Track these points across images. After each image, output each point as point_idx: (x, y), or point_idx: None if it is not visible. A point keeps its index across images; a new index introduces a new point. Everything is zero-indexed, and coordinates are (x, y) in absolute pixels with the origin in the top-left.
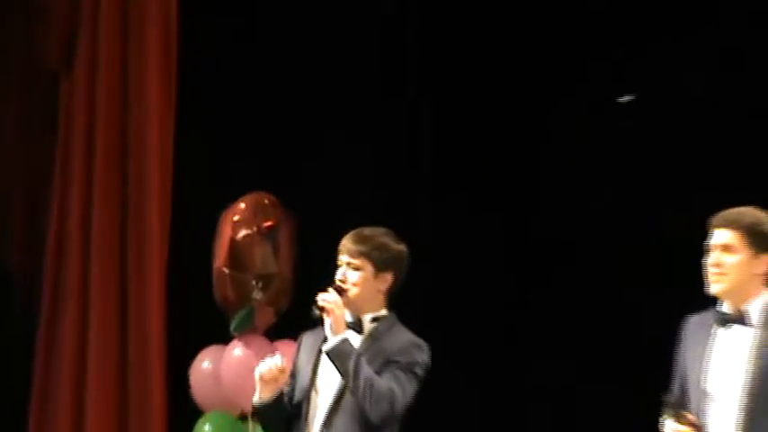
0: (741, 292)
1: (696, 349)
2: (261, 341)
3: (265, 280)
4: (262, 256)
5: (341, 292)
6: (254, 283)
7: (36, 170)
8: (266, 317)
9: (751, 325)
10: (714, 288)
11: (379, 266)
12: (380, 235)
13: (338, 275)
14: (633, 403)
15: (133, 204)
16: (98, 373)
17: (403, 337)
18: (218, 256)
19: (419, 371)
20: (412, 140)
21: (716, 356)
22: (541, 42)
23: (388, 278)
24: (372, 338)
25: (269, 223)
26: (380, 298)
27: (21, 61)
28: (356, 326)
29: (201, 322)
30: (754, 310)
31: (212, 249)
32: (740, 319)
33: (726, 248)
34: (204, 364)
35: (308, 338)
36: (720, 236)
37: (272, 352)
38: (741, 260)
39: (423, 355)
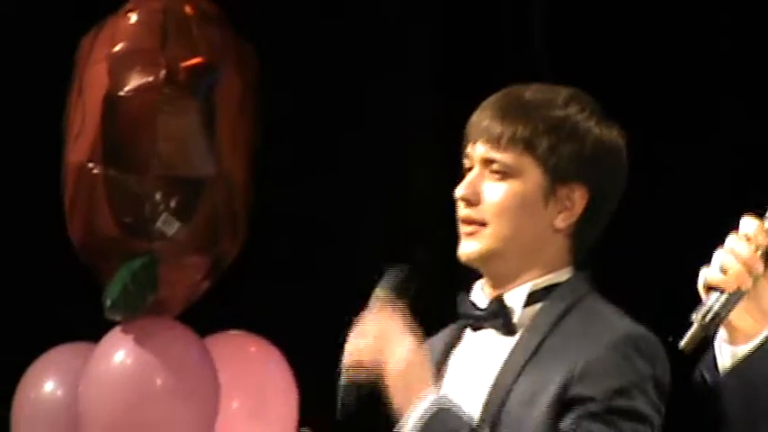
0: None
1: None
2: (174, 333)
3: (187, 192)
4: (178, 141)
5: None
6: (157, 198)
7: None
8: (187, 279)
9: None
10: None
11: (560, 173)
12: (559, 104)
13: (459, 190)
14: None
15: None
16: None
17: (614, 327)
18: (76, 138)
19: (650, 411)
20: None
21: None
22: None
23: (579, 197)
24: (542, 341)
25: (195, 62)
26: (558, 244)
27: None
28: (498, 314)
29: (36, 294)
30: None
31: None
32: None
33: None
34: (45, 385)
35: (436, 344)
36: None
37: (201, 355)
38: None
39: (657, 369)
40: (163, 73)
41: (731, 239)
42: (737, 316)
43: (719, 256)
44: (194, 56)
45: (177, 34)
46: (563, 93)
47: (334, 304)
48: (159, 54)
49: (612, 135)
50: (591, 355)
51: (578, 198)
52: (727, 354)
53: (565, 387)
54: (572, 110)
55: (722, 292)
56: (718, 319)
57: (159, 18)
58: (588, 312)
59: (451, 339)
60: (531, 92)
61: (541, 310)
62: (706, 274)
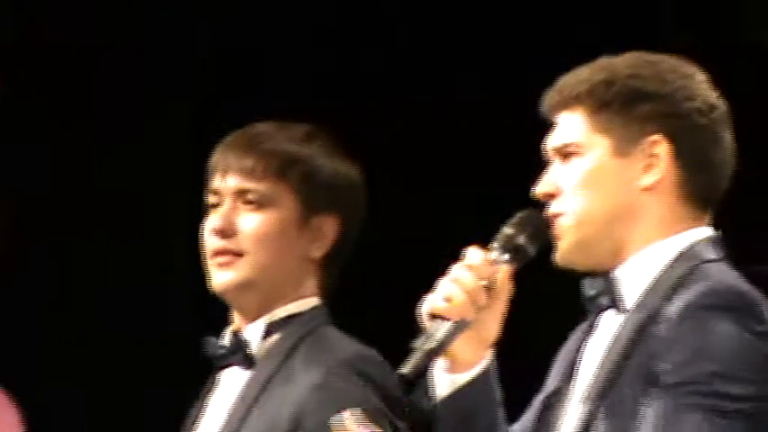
0: None
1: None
2: None
3: None
4: None
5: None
6: None
7: None
8: None
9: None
10: None
11: (314, 202)
12: (305, 138)
13: (213, 223)
14: None
15: None
16: None
17: (336, 351)
18: None
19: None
20: None
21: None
22: None
23: (332, 226)
24: (273, 373)
25: None
26: (312, 274)
27: None
28: (236, 349)
29: None
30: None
31: None
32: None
33: None
34: None
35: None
36: None
37: None
38: None
39: (384, 389)
40: None
41: (456, 269)
42: (458, 345)
43: (444, 285)
44: None
45: None
46: (304, 128)
47: None
48: None
49: (354, 168)
50: (315, 381)
51: (331, 227)
52: (445, 382)
53: (297, 420)
54: (317, 143)
55: (446, 320)
56: (440, 348)
57: None
58: (316, 340)
59: (210, 384)
60: (276, 127)
61: (277, 341)
62: (430, 302)
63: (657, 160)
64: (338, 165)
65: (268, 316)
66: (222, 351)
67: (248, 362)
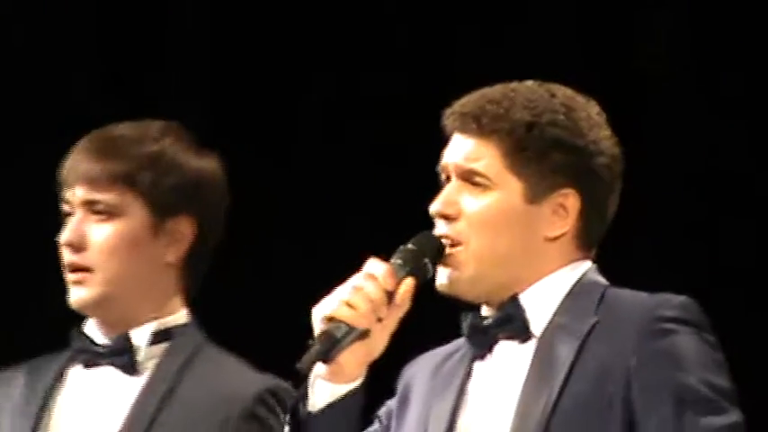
0: None
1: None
2: None
3: None
4: None
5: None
6: None
7: None
8: None
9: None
10: None
11: (165, 206)
12: (154, 137)
13: (65, 236)
14: None
15: None
16: None
17: (248, 382)
18: None
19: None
20: None
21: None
22: None
23: (187, 229)
24: (171, 389)
25: None
26: (171, 279)
27: None
28: (122, 351)
29: None
30: None
31: None
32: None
33: None
34: None
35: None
36: None
37: None
38: None
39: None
40: None
41: (359, 278)
42: (345, 354)
43: (345, 292)
44: None
45: None
46: (155, 126)
47: None
48: None
49: (212, 164)
50: (235, 412)
51: (186, 230)
52: (324, 391)
53: None
54: (167, 142)
55: (345, 325)
56: (336, 350)
57: None
58: (216, 363)
59: (53, 380)
60: (122, 129)
61: (166, 354)
62: (329, 306)
63: (565, 212)
64: (192, 162)
65: (155, 324)
66: (101, 350)
67: (133, 367)
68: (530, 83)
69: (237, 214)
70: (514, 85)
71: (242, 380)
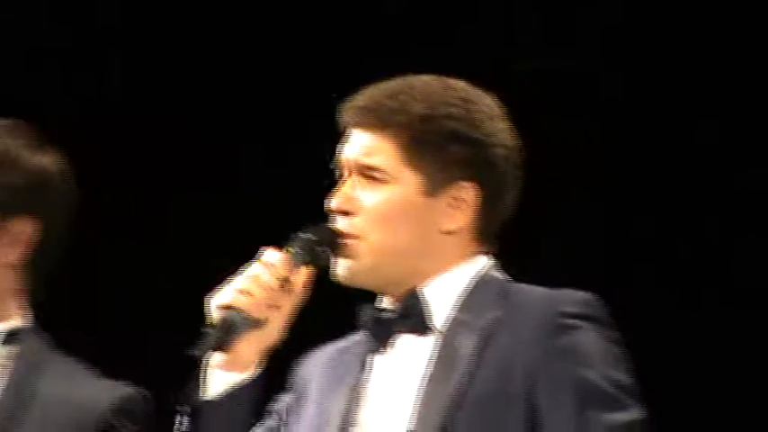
0: None
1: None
2: None
3: None
4: None
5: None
6: None
7: None
8: None
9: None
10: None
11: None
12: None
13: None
14: None
15: None
16: None
17: (100, 392)
18: None
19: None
20: None
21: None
22: None
23: (28, 230)
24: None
25: None
26: (13, 281)
27: None
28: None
29: None
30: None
31: None
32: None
33: None
34: None
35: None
36: None
37: None
38: None
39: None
40: None
41: (255, 266)
42: (241, 343)
43: (241, 280)
44: None
45: None
46: (2, 125)
47: None
48: None
49: (57, 163)
50: (91, 422)
51: (28, 230)
52: (219, 379)
53: None
54: (8, 140)
55: (242, 314)
56: (232, 338)
57: None
58: (68, 370)
59: None
60: None
61: (16, 358)
62: (225, 294)
63: (463, 205)
64: (36, 163)
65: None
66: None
67: None
68: (427, 77)
69: None
70: (411, 78)
71: (96, 388)
